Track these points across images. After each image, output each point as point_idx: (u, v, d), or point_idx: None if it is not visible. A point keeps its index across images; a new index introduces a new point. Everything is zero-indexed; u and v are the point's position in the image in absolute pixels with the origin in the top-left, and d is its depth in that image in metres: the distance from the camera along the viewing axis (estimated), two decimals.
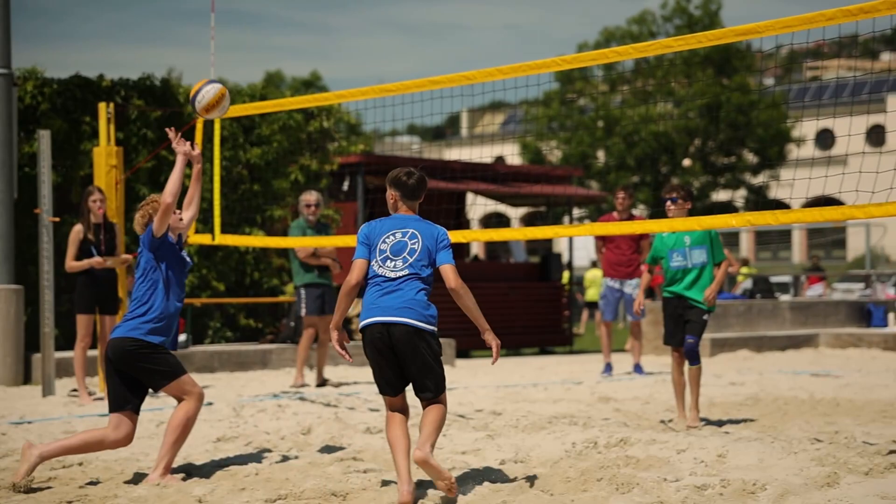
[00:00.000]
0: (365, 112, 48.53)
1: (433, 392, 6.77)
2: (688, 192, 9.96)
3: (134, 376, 7.42)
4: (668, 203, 9.82)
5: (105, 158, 12.71)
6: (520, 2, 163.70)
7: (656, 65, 46.86)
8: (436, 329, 6.76)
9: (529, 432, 9.15)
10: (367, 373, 15.38)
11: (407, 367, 6.73)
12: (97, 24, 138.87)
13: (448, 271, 6.76)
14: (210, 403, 11.00)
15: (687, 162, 43.31)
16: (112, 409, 7.41)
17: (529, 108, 53.26)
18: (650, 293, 23.66)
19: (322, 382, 13.56)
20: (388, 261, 6.75)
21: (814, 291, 30.08)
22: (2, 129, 14.17)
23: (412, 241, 6.78)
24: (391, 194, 6.94)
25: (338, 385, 13.58)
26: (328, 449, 8.48)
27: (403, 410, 6.86)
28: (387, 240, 6.80)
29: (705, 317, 9.90)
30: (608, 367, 15.25)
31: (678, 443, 8.07)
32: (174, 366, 7.47)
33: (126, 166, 13.75)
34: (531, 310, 21.58)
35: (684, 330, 9.89)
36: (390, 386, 6.81)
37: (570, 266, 24.35)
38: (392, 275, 6.73)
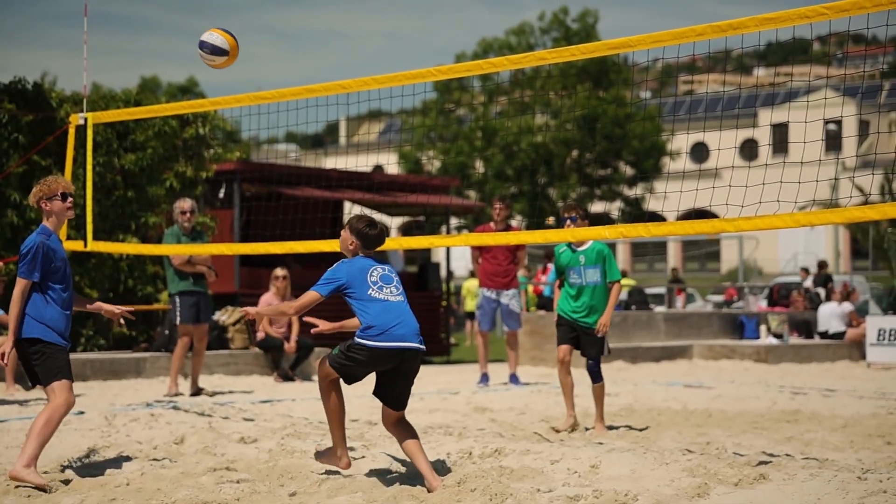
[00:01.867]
0: (242, 119, 48.18)
1: (407, 402, 7.37)
2: (585, 210, 10.35)
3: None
4: (568, 222, 10.12)
5: None
6: (398, 11, 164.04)
7: (534, 76, 47.22)
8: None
9: None
10: (242, 382, 15.27)
11: (401, 384, 7.28)
12: None
13: None
14: (81, 412, 10.82)
15: (550, 220, 43.87)
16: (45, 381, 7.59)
17: (407, 117, 53.39)
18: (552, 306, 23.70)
19: (196, 391, 13.41)
20: (384, 288, 7.27)
21: (676, 304, 30.59)
22: None
23: (394, 275, 7.37)
24: (352, 241, 7.38)
25: (212, 394, 13.44)
26: (201, 459, 8.38)
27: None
28: (373, 273, 7.29)
29: (600, 334, 10.28)
30: (484, 378, 15.30)
31: (552, 453, 8.12)
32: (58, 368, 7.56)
33: None
34: None
35: (579, 342, 10.35)
36: (352, 381, 7.41)
37: (448, 276, 24.41)
38: (394, 299, 7.25)
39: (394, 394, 7.29)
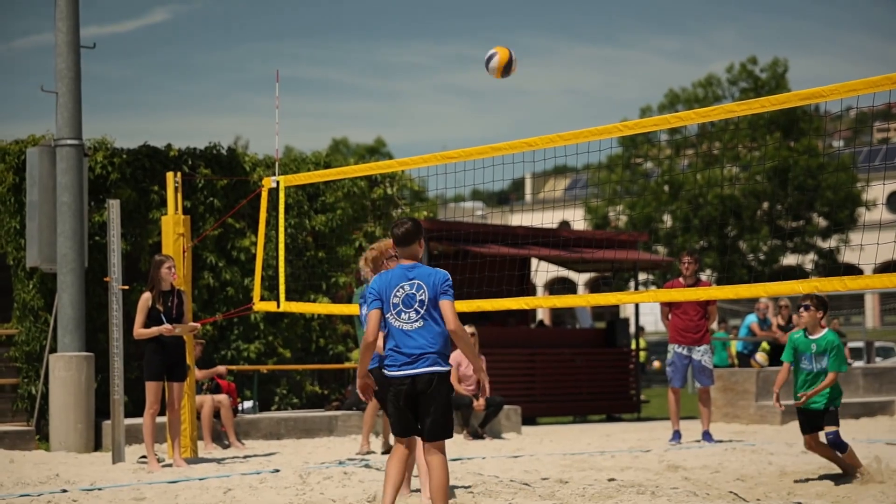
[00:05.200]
0: (428, 178, 48.65)
1: (442, 434, 7.27)
2: (821, 300, 10.26)
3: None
4: (801, 310, 10.24)
5: (173, 227, 12.85)
6: (580, 65, 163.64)
7: (722, 128, 46.65)
8: (450, 367, 7.40)
9: (597, 501, 9.04)
10: None
11: (425, 409, 7.24)
12: (164, 93, 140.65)
13: (447, 311, 7.25)
14: (277, 470, 11.00)
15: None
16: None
17: (594, 172, 53.33)
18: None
19: (388, 449, 13.50)
20: (403, 313, 7.27)
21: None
22: (73, 198, 14.41)
23: (419, 293, 7.28)
24: (390, 243, 7.76)
25: None
26: None
27: (409, 445, 7.41)
28: (397, 293, 7.31)
29: (832, 407, 10.42)
30: (676, 435, 15.06)
31: None
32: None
33: (193, 234, 13.87)
34: (597, 376, 21.43)
35: (814, 422, 10.48)
36: (404, 429, 7.37)
37: (637, 332, 24.14)
38: (408, 326, 7.26)
39: (420, 418, 7.30)
